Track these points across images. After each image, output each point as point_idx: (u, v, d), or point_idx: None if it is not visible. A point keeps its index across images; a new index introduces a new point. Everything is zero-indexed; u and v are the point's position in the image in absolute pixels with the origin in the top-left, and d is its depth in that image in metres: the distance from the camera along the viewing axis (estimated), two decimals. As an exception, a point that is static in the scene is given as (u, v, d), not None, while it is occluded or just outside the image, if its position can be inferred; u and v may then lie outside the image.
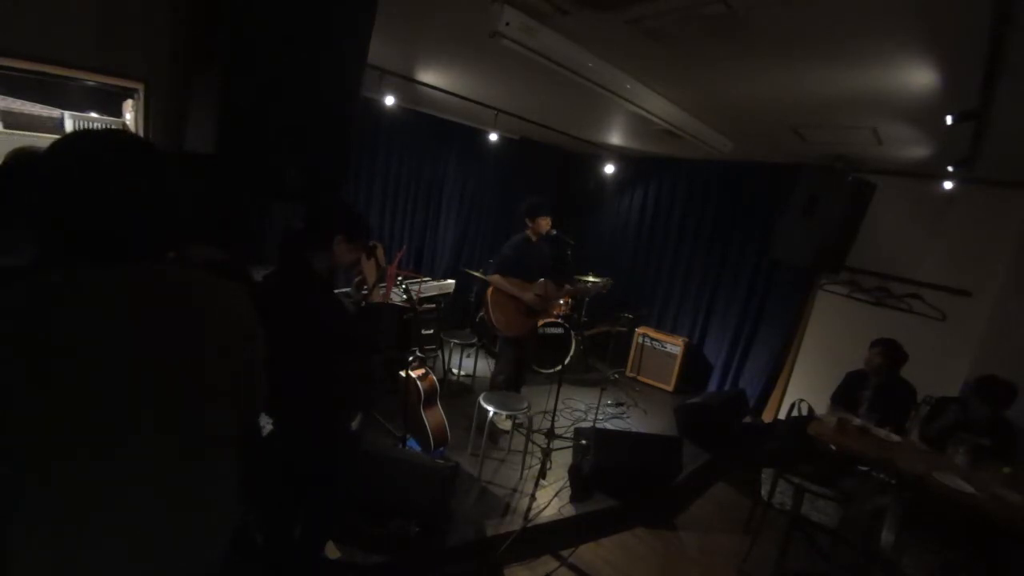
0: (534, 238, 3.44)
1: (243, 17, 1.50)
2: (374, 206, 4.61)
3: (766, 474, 2.92)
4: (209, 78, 1.66)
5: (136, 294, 0.80)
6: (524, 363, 3.67)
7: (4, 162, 1.29)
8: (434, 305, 4.39)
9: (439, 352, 4.42)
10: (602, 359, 5.40)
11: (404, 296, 3.13)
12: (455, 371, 4.42)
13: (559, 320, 4.77)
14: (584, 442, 3.21)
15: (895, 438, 2.83)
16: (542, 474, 3.04)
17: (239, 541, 0.98)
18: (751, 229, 4.68)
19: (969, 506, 2.28)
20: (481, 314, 4.49)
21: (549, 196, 4.63)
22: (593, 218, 6.25)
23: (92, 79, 1.81)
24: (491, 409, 2.89)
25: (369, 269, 2.16)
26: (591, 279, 5.27)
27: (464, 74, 3.20)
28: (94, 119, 3.20)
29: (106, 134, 0.84)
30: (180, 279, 0.89)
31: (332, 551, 2.20)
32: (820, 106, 2.61)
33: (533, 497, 2.84)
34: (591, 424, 3.79)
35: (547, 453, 3.10)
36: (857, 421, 2.94)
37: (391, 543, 2.28)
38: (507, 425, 3.53)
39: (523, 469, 3.13)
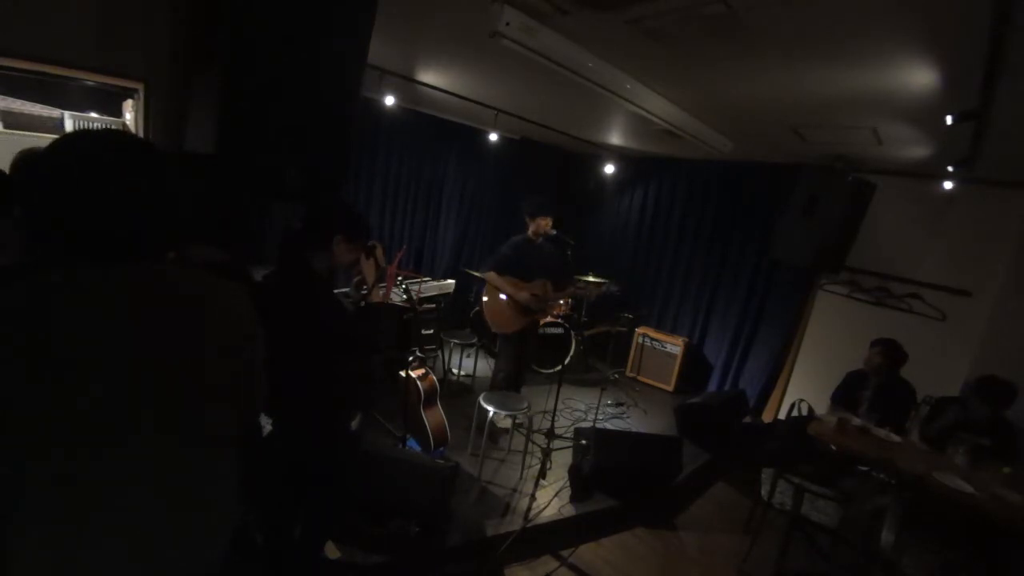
0: (535, 238, 3.44)
1: (243, 17, 1.50)
2: (374, 206, 4.61)
3: (766, 474, 2.92)
4: (209, 78, 1.66)
5: (136, 294, 0.80)
6: (524, 362, 3.67)
7: (13, 164, 1.29)
8: (434, 305, 4.40)
9: (439, 352, 4.42)
10: (602, 359, 5.40)
11: (404, 296, 3.13)
12: (455, 371, 4.42)
13: (559, 320, 4.77)
14: (584, 442, 3.21)
15: (895, 438, 2.83)
16: (542, 474, 3.04)
17: (239, 541, 0.98)
18: (751, 229, 4.68)
19: (969, 506, 2.29)
20: (477, 308, 4.50)
21: (549, 196, 4.63)
22: (593, 218, 6.25)
23: (92, 79, 1.81)
24: (491, 409, 2.89)
25: (368, 269, 2.16)
26: (591, 279, 5.28)
27: (464, 74, 3.20)
28: (94, 119, 3.20)
29: (106, 134, 0.84)
30: (180, 279, 0.89)
31: (332, 551, 2.20)
32: (820, 106, 2.61)
33: (533, 497, 2.84)
34: (591, 424, 3.79)
35: (547, 453, 3.10)
36: (857, 421, 2.94)
37: (391, 543, 2.28)
38: (507, 424, 3.53)
39: (523, 469, 3.13)
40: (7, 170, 1.34)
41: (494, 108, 3.82)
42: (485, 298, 3.43)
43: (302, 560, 1.88)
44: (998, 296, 3.52)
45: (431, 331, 4.36)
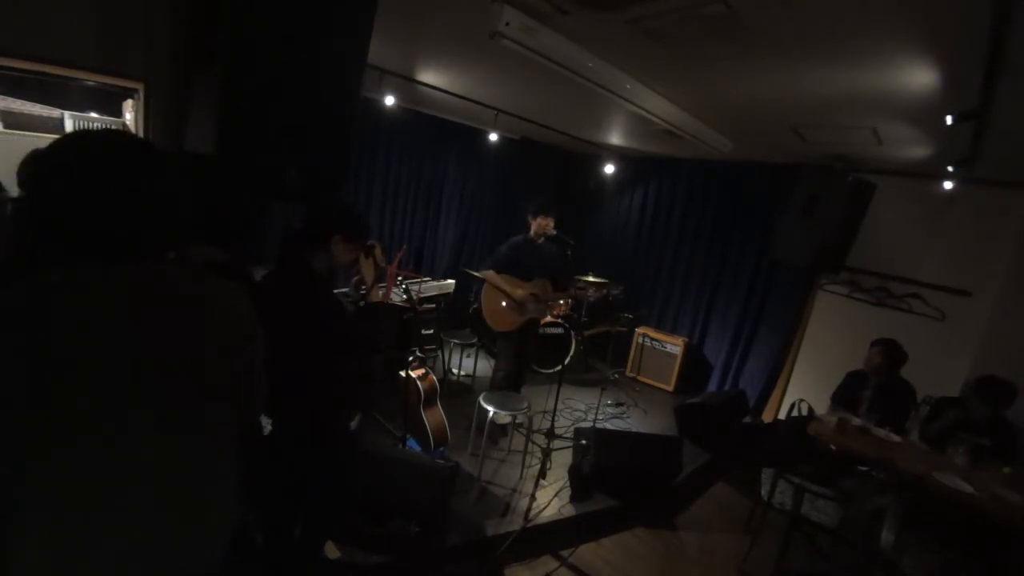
0: (537, 238, 3.44)
1: (243, 17, 1.50)
2: (374, 206, 4.61)
3: (766, 474, 2.92)
4: (209, 78, 1.66)
5: (136, 294, 0.81)
6: (524, 362, 3.67)
7: (22, 164, 1.29)
8: (434, 305, 4.39)
9: (439, 352, 4.42)
10: (602, 359, 5.40)
11: (404, 296, 3.13)
12: (455, 371, 4.42)
13: (559, 320, 4.77)
14: (584, 442, 3.21)
15: (895, 438, 2.83)
16: (542, 474, 3.04)
17: (239, 541, 0.98)
18: (751, 229, 4.68)
19: (969, 506, 2.29)
20: (475, 305, 4.50)
21: (549, 196, 4.63)
22: (593, 218, 6.25)
23: (92, 79, 1.81)
24: (491, 409, 2.89)
25: (367, 269, 2.16)
26: (591, 279, 5.29)
27: (464, 74, 3.20)
28: (94, 119, 3.20)
29: (106, 134, 0.85)
30: (180, 279, 0.89)
31: (332, 551, 2.20)
32: (820, 106, 2.61)
33: (533, 497, 2.84)
34: (591, 424, 3.79)
35: (547, 453, 3.10)
36: (857, 421, 2.94)
37: (391, 543, 2.28)
38: (506, 420, 3.53)
39: (523, 469, 3.13)
40: (17, 171, 1.34)
41: (494, 108, 3.82)
42: (484, 297, 3.44)
43: (302, 560, 1.88)
44: (998, 296, 3.52)
45: (431, 331, 4.36)
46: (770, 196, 4.47)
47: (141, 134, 1.92)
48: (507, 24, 1.92)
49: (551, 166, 5.78)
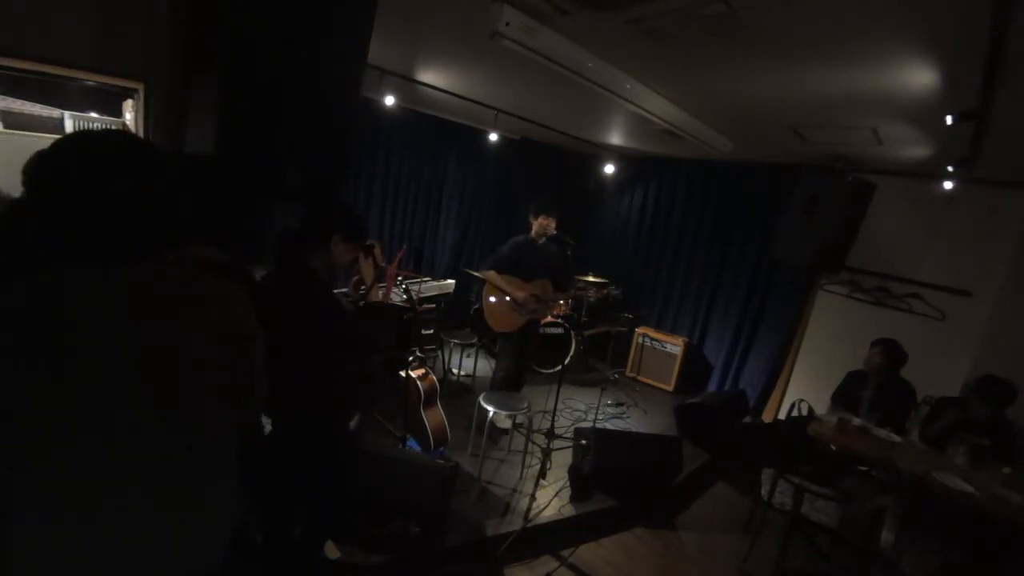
0: (538, 238, 3.44)
1: (243, 17, 1.50)
2: (374, 206, 4.61)
3: (766, 474, 2.92)
4: (209, 78, 1.66)
5: (136, 294, 0.81)
6: (524, 362, 3.67)
7: (28, 164, 1.29)
8: (434, 305, 4.39)
9: (439, 352, 4.42)
10: (602, 359, 5.40)
11: (404, 296, 3.13)
12: (455, 371, 4.42)
13: (559, 320, 4.77)
14: (584, 442, 3.21)
15: (895, 438, 2.83)
16: (542, 474, 3.04)
17: (239, 541, 0.98)
18: (751, 229, 4.68)
19: (969, 506, 2.29)
20: (477, 306, 4.50)
21: (550, 196, 4.63)
22: (593, 218, 6.25)
23: (92, 79, 1.81)
24: (491, 409, 2.89)
25: (367, 269, 2.16)
26: (591, 279, 5.28)
27: (464, 74, 3.20)
28: (94, 119, 3.21)
29: (106, 134, 0.85)
30: (180, 279, 0.89)
31: (332, 551, 2.20)
32: (820, 106, 2.61)
33: (533, 497, 2.84)
34: (591, 424, 3.79)
35: (547, 453, 3.10)
36: (857, 421, 2.94)
37: (391, 543, 2.28)
38: (507, 424, 3.53)
39: (523, 469, 3.13)
40: (22, 171, 1.35)
41: (494, 108, 3.82)
42: (485, 297, 3.43)
43: (302, 560, 1.88)
44: (998, 296, 3.52)
45: (431, 331, 4.36)
46: (770, 196, 4.46)
47: (141, 134, 1.92)
48: (507, 24, 1.92)
49: (551, 166, 5.78)
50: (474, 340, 4.30)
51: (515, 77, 2.97)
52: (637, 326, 5.24)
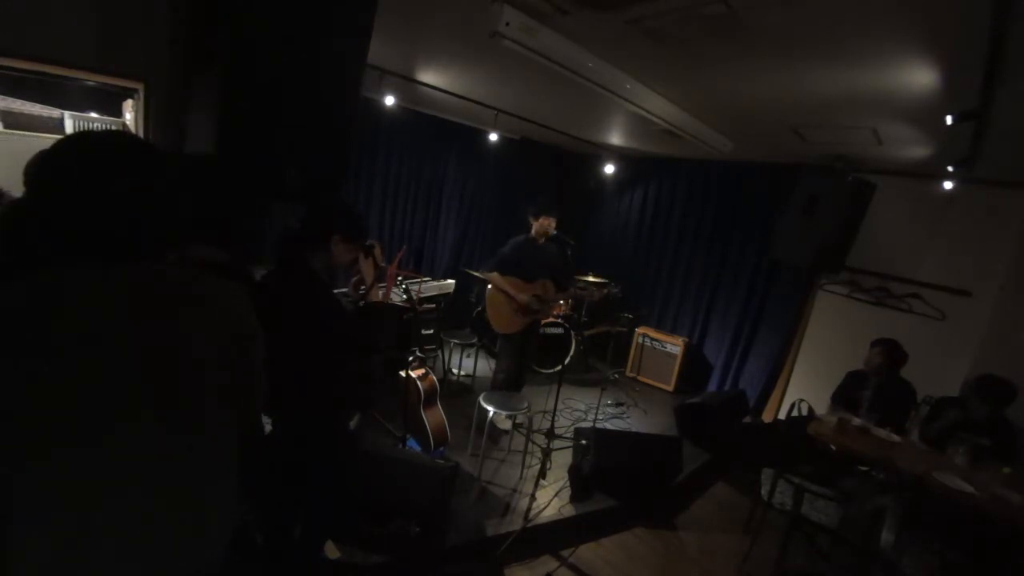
0: (538, 239, 3.44)
1: (243, 17, 1.50)
2: (374, 206, 4.61)
3: (766, 474, 2.92)
4: (209, 78, 1.66)
5: (136, 294, 0.81)
6: (524, 362, 3.67)
7: (29, 164, 1.29)
8: (434, 305, 4.39)
9: (439, 352, 4.42)
10: (602, 359, 5.40)
11: (404, 296, 3.13)
12: (455, 371, 4.42)
13: (559, 320, 4.77)
14: (584, 442, 3.21)
15: (895, 438, 2.83)
16: (542, 474, 3.04)
17: (239, 541, 0.98)
18: (751, 229, 4.68)
19: (969, 506, 2.29)
20: (479, 309, 4.50)
21: (550, 196, 4.63)
22: (593, 218, 6.25)
23: (92, 79, 1.81)
24: (491, 409, 2.89)
25: (367, 269, 2.16)
26: (591, 279, 5.28)
27: (464, 74, 3.20)
28: (94, 119, 3.20)
29: (106, 135, 0.85)
30: (180, 279, 0.89)
31: (332, 551, 2.20)
32: (820, 106, 2.61)
33: (533, 497, 2.84)
34: (591, 424, 3.79)
35: (547, 453, 3.10)
36: (857, 421, 2.94)
37: (391, 543, 2.28)
38: (507, 425, 3.53)
39: (523, 469, 3.13)
40: (23, 171, 1.35)
41: (494, 108, 3.82)
42: (487, 298, 3.43)
43: (302, 560, 1.88)
44: (998, 296, 3.52)
45: (431, 331, 4.36)
46: (770, 196, 4.47)
47: (141, 134, 1.92)
48: (507, 24, 1.92)
49: (551, 166, 5.78)
50: (474, 340, 4.31)
51: (515, 77, 2.97)
52: (637, 326, 5.24)
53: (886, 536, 2.40)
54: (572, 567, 2.54)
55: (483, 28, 1.96)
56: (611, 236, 6.04)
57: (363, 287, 2.25)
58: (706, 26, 1.87)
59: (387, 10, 1.82)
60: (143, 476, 0.80)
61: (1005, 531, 2.23)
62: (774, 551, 2.65)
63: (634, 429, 3.96)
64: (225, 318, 0.92)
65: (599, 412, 4.05)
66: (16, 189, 1.66)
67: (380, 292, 3.37)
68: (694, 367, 5.06)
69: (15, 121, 2.99)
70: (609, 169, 5.54)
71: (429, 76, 3.35)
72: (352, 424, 2.74)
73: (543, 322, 4.44)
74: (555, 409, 3.24)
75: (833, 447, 2.78)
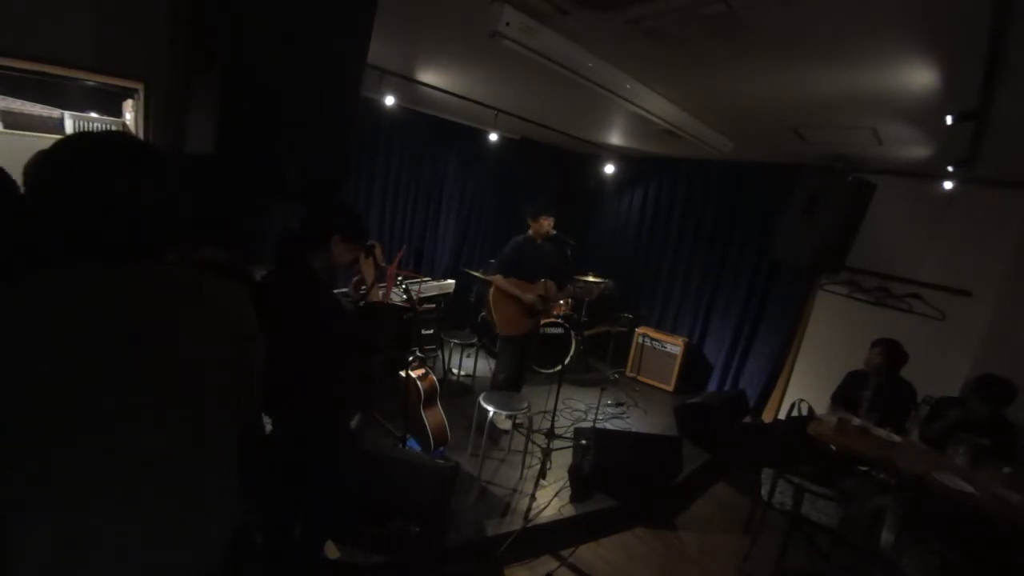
0: (537, 239, 3.44)
1: (243, 17, 1.50)
2: (374, 206, 4.61)
3: (766, 474, 2.92)
4: (209, 78, 1.66)
5: (136, 294, 0.81)
6: (525, 362, 3.67)
7: (28, 165, 1.29)
8: (434, 305, 4.40)
9: (439, 352, 4.42)
10: (602, 359, 5.40)
11: (404, 296, 3.13)
12: (455, 371, 4.42)
13: (559, 320, 4.77)
14: (584, 442, 3.21)
15: (895, 438, 2.83)
16: (542, 474, 3.04)
17: (239, 541, 0.98)
18: (751, 229, 4.68)
19: (969, 506, 2.29)
20: (483, 313, 4.49)
21: (549, 196, 4.63)
22: (593, 218, 6.25)
23: (92, 79, 1.81)
24: (491, 409, 2.89)
25: (367, 269, 2.16)
26: (591, 279, 5.28)
27: (464, 74, 3.20)
28: (94, 119, 3.20)
29: (106, 135, 0.85)
30: (180, 279, 0.89)
31: (332, 551, 2.20)
32: (820, 106, 2.61)
33: (533, 497, 2.84)
34: (591, 424, 3.79)
35: (547, 453, 3.10)
36: (857, 421, 2.94)
37: (391, 543, 2.28)
38: (507, 425, 3.53)
39: (523, 469, 3.13)
40: (23, 171, 1.35)
41: (494, 108, 3.82)
42: (492, 301, 3.42)
43: (302, 560, 1.88)
44: (998, 296, 3.52)
45: (431, 331, 4.36)
46: (770, 196, 4.46)
47: (141, 134, 1.92)
48: (507, 24, 1.92)
49: (551, 166, 5.78)
50: (474, 340, 4.31)
51: (515, 77, 2.97)
52: (637, 326, 5.24)
53: (886, 536, 2.40)
54: (572, 567, 2.54)
55: (483, 28, 1.96)
56: (611, 236, 6.04)
57: (363, 287, 2.25)
58: (706, 26, 1.87)
59: (387, 10, 1.82)
60: (143, 476, 0.80)
61: (1005, 531, 2.23)
62: (774, 551, 2.65)
63: (634, 429, 3.96)
64: (225, 318, 0.92)
65: (599, 412, 4.05)
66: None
67: (380, 292, 3.38)
68: (694, 367, 5.06)
69: (15, 121, 2.99)
70: (609, 169, 5.54)
71: (429, 76, 3.35)
72: (352, 424, 2.74)
73: (543, 322, 4.44)
74: (555, 409, 3.24)
75: (833, 447, 2.78)
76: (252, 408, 1.08)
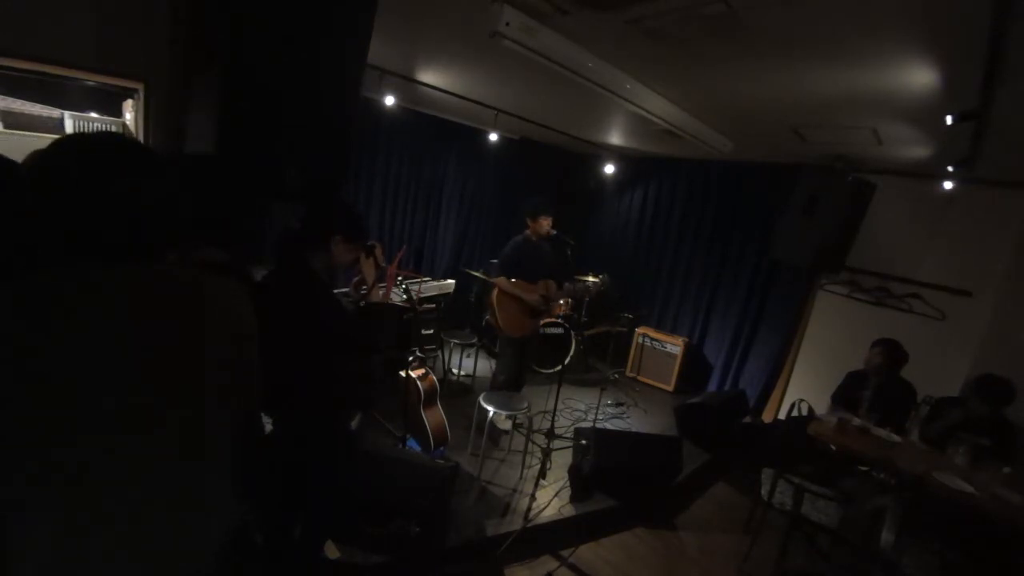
0: (534, 238, 3.45)
1: (243, 17, 1.50)
2: (374, 206, 4.61)
3: (766, 474, 2.92)
4: (209, 78, 1.66)
5: (136, 294, 0.81)
6: (525, 362, 3.68)
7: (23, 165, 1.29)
8: (434, 305, 4.40)
9: (439, 352, 4.42)
10: (602, 359, 5.40)
11: (404, 296, 3.13)
12: (455, 371, 4.42)
13: (559, 320, 4.77)
14: (584, 442, 3.21)
15: (895, 438, 2.83)
16: (542, 474, 3.04)
17: (239, 541, 0.98)
18: (751, 229, 4.68)
19: (969, 506, 2.29)
20: (487, 317, 4.49)
21: (549, 196, 4.62)
22: (593, 218, 6.25)
23: (92, 79, 1.81)
24: (491, 409, 2.89)
25: (368, 269, 2.16)
26: (590, 279, 5.28)
27: (464, 74, 3.20)
28: (94, 119, 3.20)
29: (105, 136, 0.85)
30: (180, 279, 0.89)
31: (332, 551, 2.20)
32: (820, 106, 2.61)
33: (533, 497, 2.84)
34: (591, 424, 3.79)
35: (547, 453, 3.10)
36: (857, 421, 2.94)
37: (391, 543, 2.28)
38: (507, 425, 3.53)
39: (523, 469, 3.13)
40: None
41: (494, 108, 3.82)
42: (496, 304, 3.41)
43: (302, 560, 1.88)
44: (998, 296, 3.52)
45: (431, 331, 4.36)
46: (770, 196, 4.46)
47: (141, 134, 1.92)
48: (507, 24, 1.92)
49: (551, 166, 5.78)
50: (474, 340, 4.31)
51: (515, 77, 2.97)
52: (637, 326, 5.24)
53: (886, 536, 2.40)
54: (572, 567, 2.54)
55: (483, 28, 1.96)
56: (611, 236, 6.04)
57: (364, 287, 2.25)
58: (706, 26, 1.87)
59: (387, 10, 1.82)
60: (143, 476, 0.80)
61: (1005, 531, 2.23)
62: (774, 551, 2.65)
63: (634, 429, 3.96)
64: (225, 318, 0.92)
65: (599, 412, 4.05)
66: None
67: (380, 292, 3.38)
68: (694, 367, 5.06)
69: (15, 121, 2.98)
70: (609, 169, 5.54)
71: (429, 76, 3.35)
72: (352, 424, 2.74)
73: (543, 322, 4.44)
74: (555, 409, 3.24)
75: (833, 447, 2.78)
76: (252, 408, 1.08)
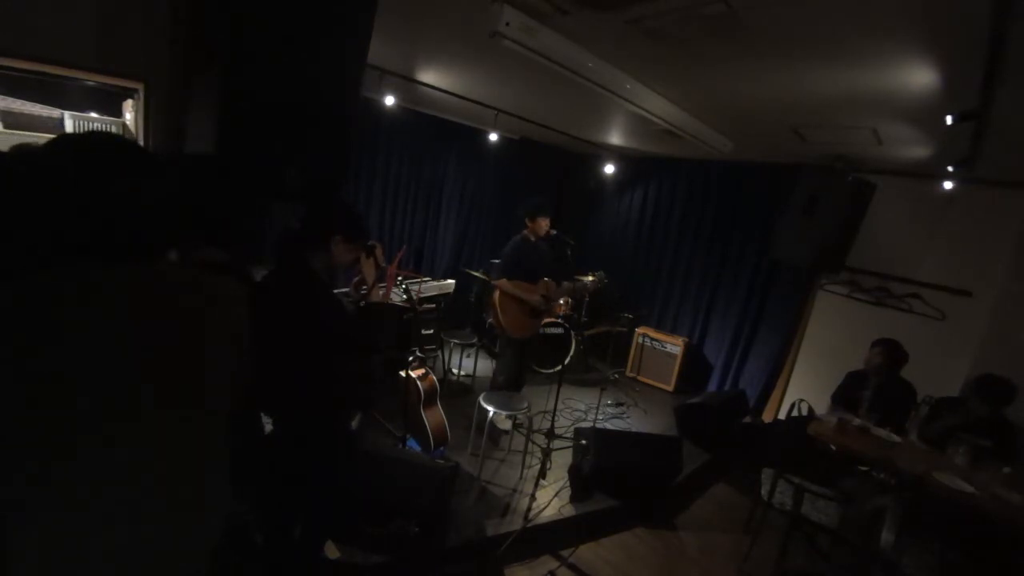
0: (533, 238, 3.45)
1: (243, 17, 1.50)
2: (374, 206, 4.61)
3: (766, 474, 2.92)
4: (209, 78, 1.66)
5: (136, 294, 0.81)
6: (525, 362, 3.68)
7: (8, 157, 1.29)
8: (434, 305, 4.40)
9: (439, 352, 4.42)
10: (602, 359, 5.40)
11: (404, 296, 3.13)
12: (455, 371, 4.42)
13: (559, 320, 4.77)
14: (584, 442, 3.21)
15: (895, 438, 2.83)
16: (542, 474, 3.04)
17: (239, 541, 0.98)
18: (751, 229, 4.68)
19: (969, 506, 2.29)
20: (489, 320, 4.49)
21: (549, 196, 4.64)
22: (593, 218, 6.25)
23: (92, 79, 1.81)
24: (491, 409, 2.89)
25: (368, 269, 2.16)
26: (588, 277, 5.28)
27: (464, 74, 3.20)
28: (94, 119, 3.19)
29: (104, 136, 0.85)
30: (180, 279, 0.89)
31: (332, 551, 2.20)
32: (820, 106, 2.61)
33: (533, 497, 2.84)
34: (591, 424, 3.79)
35: (547, 453, 3.10)
36: (857, 421, 2.94)
37: (391, 543, 2.28)
38: (507, 425, 3.53)
39: (523, 469, 3.13)
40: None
41: (494, 108, 3.82)
42: (498, 305, 3.41)
43: (302, 560, 1.88)
44: (998, 296, 3.52)
45: (431, 331, 4.36)
46: (770, 196, 4.47)
47: (141, 134, 1.92)
48: (507, 24, 1.92)
49: (551, 166, 5.78)
50: (474, 340, 4.31)
51: (515, 77, 2.97)
52: (637, 326, 5.24)
53: (886, 536, 2.40)
54: (572, 567, 2.54)
55: (483, 28, 1.96)
56: (611, 236, 6.04)
57: (364, 287, 2.25)
58: (706, 26, 1.87)
59: (387, 10, 1.82)
60: (143, 475, 0.80)
61: (1005, 531, 2.23)
62: (774, 551, 2.65)
63: (634, 429, 3.96)
64: (225, 318, 0.92)
65: (599, 412, 4.05)
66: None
67: (380, 292, 3.37)
68: (694, 367, 5.06)
69: (15, 121, 2.98)
70: (609, 169, 5.54)
71: (429, 76, 3.35)
72: (352, 424, 2.74)
73: (543, 322, 4.44)
74: (555, 409, 3.24)
75: (833, 447, 2.78)
76: (250, 407, 1.08)
